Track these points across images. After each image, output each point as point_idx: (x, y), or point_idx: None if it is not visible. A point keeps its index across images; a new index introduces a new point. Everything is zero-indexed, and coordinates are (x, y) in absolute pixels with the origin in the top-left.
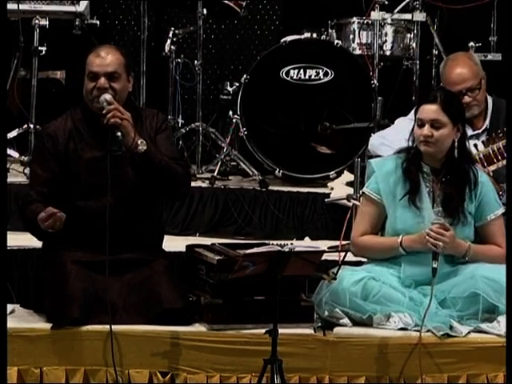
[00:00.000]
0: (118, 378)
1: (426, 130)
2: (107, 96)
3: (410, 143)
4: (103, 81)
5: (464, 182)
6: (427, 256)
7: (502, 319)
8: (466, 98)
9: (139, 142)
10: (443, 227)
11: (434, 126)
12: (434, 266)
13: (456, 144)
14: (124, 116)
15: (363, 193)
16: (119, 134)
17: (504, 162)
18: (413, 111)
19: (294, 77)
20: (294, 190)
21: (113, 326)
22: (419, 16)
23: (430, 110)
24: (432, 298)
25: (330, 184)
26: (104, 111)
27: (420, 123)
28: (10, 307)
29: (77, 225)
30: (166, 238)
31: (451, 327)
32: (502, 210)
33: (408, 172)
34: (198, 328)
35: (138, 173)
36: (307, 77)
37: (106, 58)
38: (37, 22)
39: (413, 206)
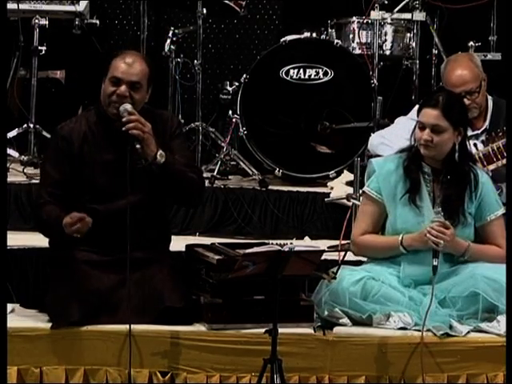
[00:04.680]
0: (131, 378)
1: (427, 134)
2: (128, 106)
3: (412, 142)
4: (124, 89)
5: (464, 184)
6: (427, 255)
7: (502, 319)
8: (465, 101)
9: (158, 154)
10: (444, 225)
11: (435, 131)
12: (435, 263)
13: (457, 147)
14: (145, 129)
15: (364, 192)
16: (138, 146)
17: (504, 161)
18: (413, 111)
19: (294, 76)
20: (294, 189)
21: (113, 326)
22: (419, 15)
23: (431, 115)
24: (427, 295)
25: (329, 183)
26: (124, 119)
27: (421, 126)
28: (9, 307)
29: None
30: None
31: (451, 327)
32: (502, 211)
33: (408, 170)
34: (198, 327)
35: (156, 183)
36: (307, 76)
37: (132, 66)
38: (36, 21)
39: (413, 205)
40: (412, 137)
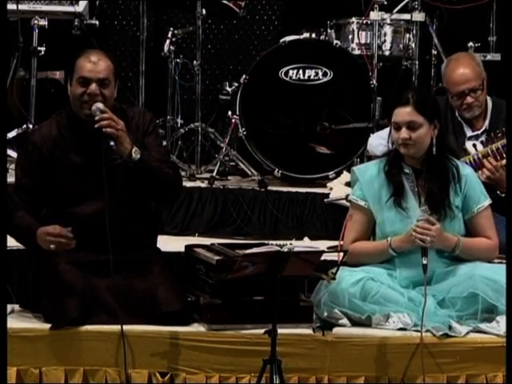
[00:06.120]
0: (128, 378)
1: (404, 132)
2: (100, 105)
3: (390, 146)
4: (94, 87)
5: (445, 177)
6: (419, 256)
7: (501, 319)
8: (469, 99)
9: (133, 151)
10: (429, 222)
11: (411, 128)
12: (424, 262)
13: (434, 141)
14: (119, 126)
15: (350, 201)
16: (112, 143)
17: (503, 161)
18: None
19: (293, 77)
20: (293, 190)
21: (112, 326)
22: (418, 16)
23: (404, 113)
24: (427, 296)
25: (329, 184)
26: (97, 118)
27: (396, 126)
28: (9, 307)
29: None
30: (165, 238)
31: (450, 327)
32: (488, 202)
33: (390, 174)
34: (198, 328)
35: (131, 180)
36: (306, 77)
37: (98, 64)
38: (36, 22)
39: (399, 208)
40: (389, 141)
